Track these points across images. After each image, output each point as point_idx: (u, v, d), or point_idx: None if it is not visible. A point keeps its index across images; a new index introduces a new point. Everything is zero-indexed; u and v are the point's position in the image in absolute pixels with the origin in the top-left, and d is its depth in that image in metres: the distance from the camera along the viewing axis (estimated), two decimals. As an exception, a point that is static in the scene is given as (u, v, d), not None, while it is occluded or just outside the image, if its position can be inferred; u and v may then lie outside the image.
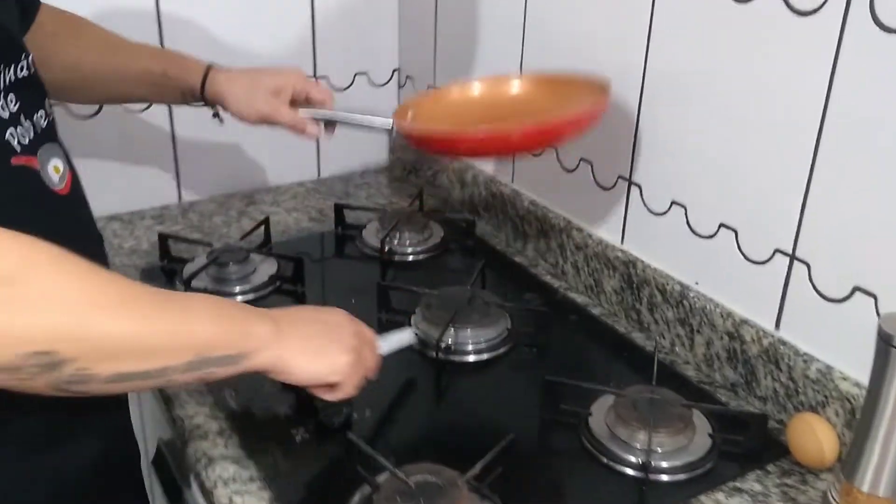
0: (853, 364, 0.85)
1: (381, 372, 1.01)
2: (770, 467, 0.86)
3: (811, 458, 0.84)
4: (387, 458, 0.79)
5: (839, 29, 0.80)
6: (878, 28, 0.77)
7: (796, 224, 0.88)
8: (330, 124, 1.08)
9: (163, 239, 1.20)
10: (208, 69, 1.06)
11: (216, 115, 1.10)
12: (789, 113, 0.87)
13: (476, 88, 1.10)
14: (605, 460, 0.85)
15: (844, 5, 0.79)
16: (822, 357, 0.88)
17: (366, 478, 0.78)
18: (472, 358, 1.02)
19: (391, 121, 1.03)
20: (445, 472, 0.77)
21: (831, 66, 0.82)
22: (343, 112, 1.08)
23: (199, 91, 1.05)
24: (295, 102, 1.07)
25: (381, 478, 0.78)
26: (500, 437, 0.83)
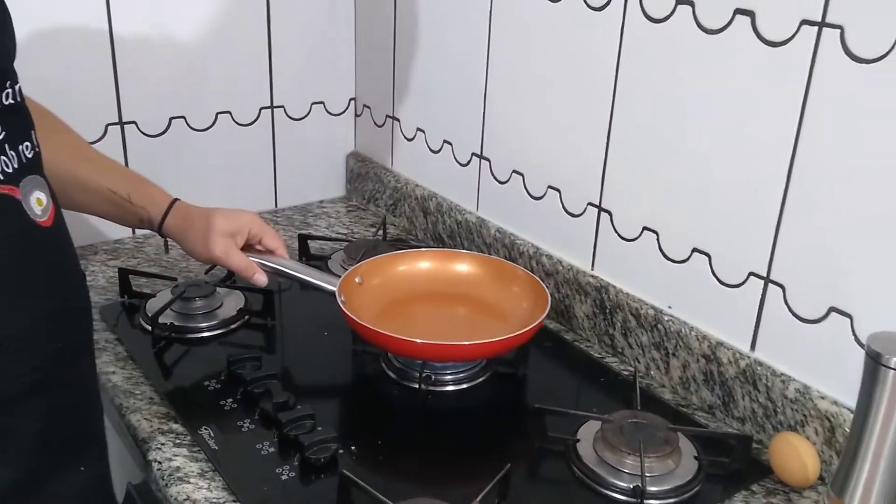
0: (830, 383, 0.88)
1: (364, 405, 1.01)
2: (755, 487, 0.87)
3: (795, 477, 0.86)
4: (381, 494, 0.78)
5: (810, 60, 0.83)
6: (848, 59, 0.80)
7: (770, 248, 0.91)
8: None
9: (123, 274, 1.16)
10: (171, 205, 1.04)
11: (165, 244, 1.11)
12: (762, 139, 0.89)
13: (424, 261, 1.16)
14: (596, 487, 0.85)
15: (815, 36, 0.82)
16: (799, 377, 0.91)
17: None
18: (452, 388, 1.01)
19: (337, 288, 1.03)
20: (443, 506, 0.76)
21: (803, 96, 0.85)
22: (293, 266, 1.08)
23: (157, 225, 1.04)
24: (248, 245, 1.07)
25: (378, 515, 0.76)
26: (491, 467, 0.82)
